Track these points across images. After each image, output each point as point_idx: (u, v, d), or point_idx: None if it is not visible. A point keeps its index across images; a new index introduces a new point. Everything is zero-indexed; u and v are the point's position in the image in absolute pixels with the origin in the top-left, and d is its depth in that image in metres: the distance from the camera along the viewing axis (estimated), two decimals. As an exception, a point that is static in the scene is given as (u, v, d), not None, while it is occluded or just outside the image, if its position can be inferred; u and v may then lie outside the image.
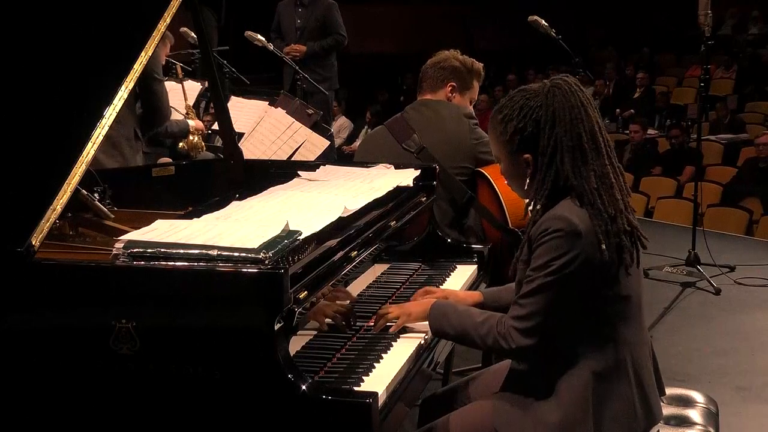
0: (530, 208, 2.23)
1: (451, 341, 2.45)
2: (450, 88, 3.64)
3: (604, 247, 2.08)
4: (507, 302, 2.29)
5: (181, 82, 5.00)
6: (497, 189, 3.41)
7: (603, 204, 2.11)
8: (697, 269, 5.70)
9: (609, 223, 2.10)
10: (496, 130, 2.23)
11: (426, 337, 2.38)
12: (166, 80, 4.87)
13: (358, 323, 2.42)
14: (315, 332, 2.27)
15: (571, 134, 2.13)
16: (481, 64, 3.72)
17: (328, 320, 2.33)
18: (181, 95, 4.91)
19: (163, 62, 4.80)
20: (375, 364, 2.15)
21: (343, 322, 2.36)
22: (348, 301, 2.43)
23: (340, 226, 2.32)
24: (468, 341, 2.25)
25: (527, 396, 2.17)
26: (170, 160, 4.53)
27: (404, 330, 2.39)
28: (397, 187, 2.79)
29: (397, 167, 3.05)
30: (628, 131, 10.09)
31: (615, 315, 2.15)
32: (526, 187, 2.23)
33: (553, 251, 2.07)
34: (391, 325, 2.38)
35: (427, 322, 2.34)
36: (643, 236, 2.18)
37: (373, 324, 2.43)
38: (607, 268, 2.10)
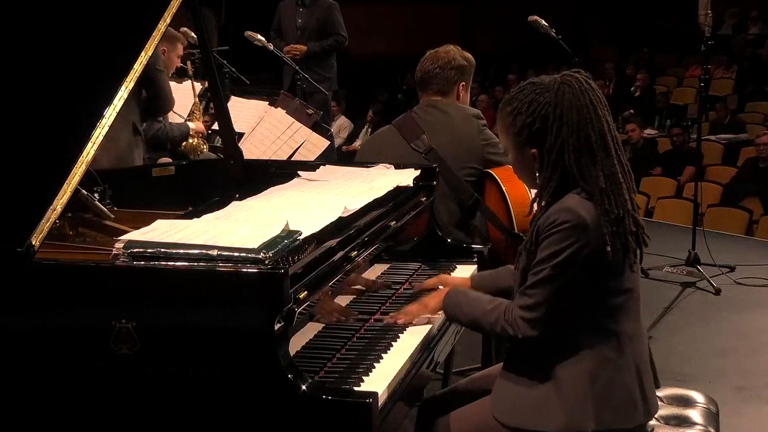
0: (536, 204, 2.25)
1: (465, 327, 2.54)
2: (461, 88, 3.64)
3: (608, 249, 2.09)
4: (497, 288, 2.44)
5: (190, 79, 5.00)
6: (505, 191, 3.41)
7: (611, 205, 2.11)
8: (697, 269, 5.70)
9: (616, 224, 2.10)
10: (504, 121, 2.24)
11: (426, 336, 2.38)
12: (171, 80, 4.89)
13: (358, 323, 2.43)
14: (321, 326, 2.28)
15: (579, 135, 2.13)
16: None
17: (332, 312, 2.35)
18: (189, 94, 4.91)
19: (178, 65, 4.82)
20: (375, 364, 2.15)
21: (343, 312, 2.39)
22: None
23: (340, 226, 2.32)
24: (479, 328, 2.32)
25: (527, 383, 2.18)
26: (170, 160, 4.53)
27: (404, 329, 2.39)
28: (397, 187, 2.79)
29: (397, 167, 3.05)
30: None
31: (617, 307, 2.16)
32: (533, 180, 2.24)
33: (560, 243, 2.08)
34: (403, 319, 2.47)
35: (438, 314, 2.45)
36: (646, 236, 2.19)
37: (373, 324, 2.43)
38: (613, 261, 2.11)
